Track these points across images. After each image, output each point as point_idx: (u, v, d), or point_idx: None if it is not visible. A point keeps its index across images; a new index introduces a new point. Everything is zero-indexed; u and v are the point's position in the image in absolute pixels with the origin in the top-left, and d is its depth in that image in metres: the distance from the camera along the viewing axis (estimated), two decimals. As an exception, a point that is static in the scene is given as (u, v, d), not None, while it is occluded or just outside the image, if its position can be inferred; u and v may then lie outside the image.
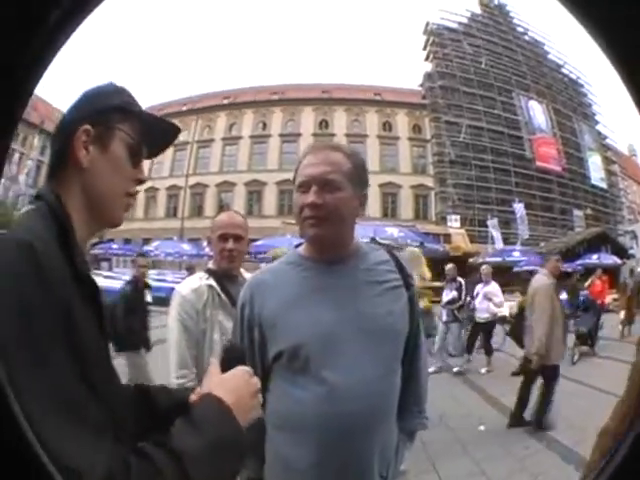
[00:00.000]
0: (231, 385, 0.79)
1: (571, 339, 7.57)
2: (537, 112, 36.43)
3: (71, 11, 0.37)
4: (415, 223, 28.04)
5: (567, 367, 6.44)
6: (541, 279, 4.82)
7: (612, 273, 17.79)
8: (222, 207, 27.51)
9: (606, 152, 40.54)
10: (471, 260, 24.20)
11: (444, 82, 34.32)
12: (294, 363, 1.19)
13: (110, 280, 17.04)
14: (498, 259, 22.10)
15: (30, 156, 35.81)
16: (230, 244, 1.97)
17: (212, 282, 1.97)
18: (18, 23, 0.34)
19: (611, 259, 21.72)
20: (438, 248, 20.93)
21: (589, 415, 4.65)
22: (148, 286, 5.63)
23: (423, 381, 1.42)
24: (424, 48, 36.71)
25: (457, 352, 8.05)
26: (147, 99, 40.42)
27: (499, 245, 26.31)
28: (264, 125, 36.21)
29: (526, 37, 39.62)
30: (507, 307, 8.87)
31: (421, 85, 35.78)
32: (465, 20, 37.37)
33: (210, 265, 2.09)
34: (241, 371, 0.83)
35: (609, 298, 13.77)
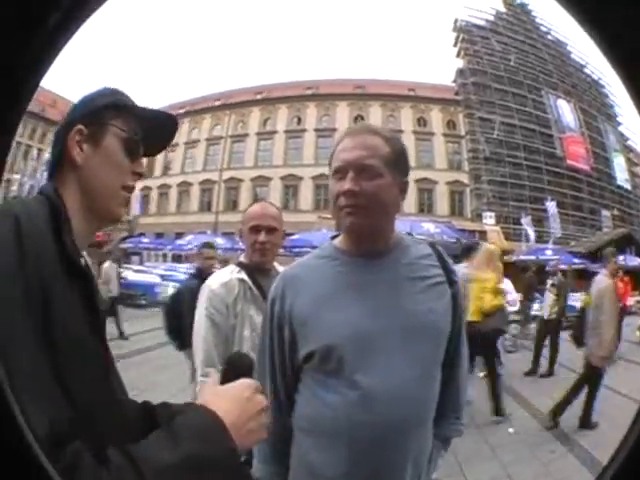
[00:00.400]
0: (231, 399, 0.70)
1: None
2: (565, 111, 36.42)
3: (71, 12, 0.36)
4: (451, 219, 27.96)
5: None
6: (604, 280, 4.83)
7: (634, 275, 17.64)
8: (256, 199, 27.09)
9: (629, 153, 40.61)
10: (506, 257, 24.22)
11: (476, 79, 34.26)
12: (326, 365, 1.10)
13: (141, 274, 17.10)
14: (532, 257, 22.05)
15: (48, 151, 35.83)
16: (262, 236, 1.85)
17: (243, 275, 1.87)
18: (18, 23, 0.33)
19: (636, 261, 21.71)
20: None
21: (611, 419, 4.65)
22: None
23: (463, 386, 1.32)
24: (454, 45, 36.71)
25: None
26: (180, 95, 40.39)
27: (532, 242, 26.32)
28: (299, 120, 36.21)
29: (549, 36, 39.62)
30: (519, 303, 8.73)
31: (454, 81, 35.77)
32: (491, 18, 37.40)
33: (242, 258, 1.98)
34: (245, 384, 0.73)
35: (632, 300, 13.48)
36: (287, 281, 1.21)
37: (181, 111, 38.59)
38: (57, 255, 0.66)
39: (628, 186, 38.80)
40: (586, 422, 4.72)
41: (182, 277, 16.85)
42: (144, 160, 0.87)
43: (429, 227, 18.44)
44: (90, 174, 0.78)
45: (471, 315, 4.84)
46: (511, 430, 4.73)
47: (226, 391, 0.72)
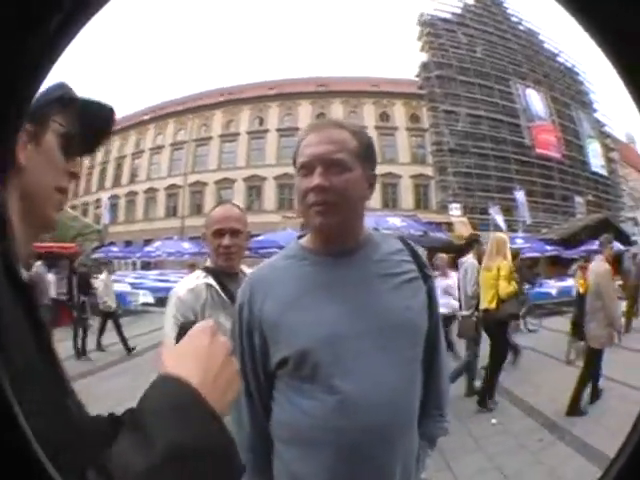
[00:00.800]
0: (190, 354, 0.57)
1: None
2: (535, 100, 36.47)
3: (72, 14, 0.36)
4: (416, 212, 27.96)
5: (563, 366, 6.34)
6: (601, 265, 4.95)
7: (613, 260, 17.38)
8: (220, 202, 27.12)
9: (605, 139, 40.62)
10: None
11: (440, 72, 34.32)
12: (301, 370, 1.05)
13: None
14: None
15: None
16: (227, 240, 1.80)
17: (210, 280, 1.80)
18: (18, 25, 0.33)
19: (615, 245, 21.51)
20: (442, 236, 20.88)
21: (599, 404, 4.82)
22: None
23: (444, 382, 1.29)
24: (419, 39, 36.74)
25: None
26: (143, 101, 40.57)
27: (504, 229, 26.28)
28: (261, 120, 36.21)
29: (520, 27, 39.77)
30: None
31: (417, 75, 35.81)
32: (459, 10, 37.51)
33: (207, 263, 1.93)
34: (199, 329, 0.60)
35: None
36: (255, 284, 1.16)
37: (146, 117, 38.82)
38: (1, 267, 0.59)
39: (604, 172, 38.84)
40: (575, 408, 4.76)
41: (152, 284, 16.92)
42: (79, 160, 0.80)
43: (395, 221, 18.43)
44: (30, 175, 0.71)
45: (487, 303, 5.10)
46: (494, 421, 4.65)
47: (182, 347, 0.58)
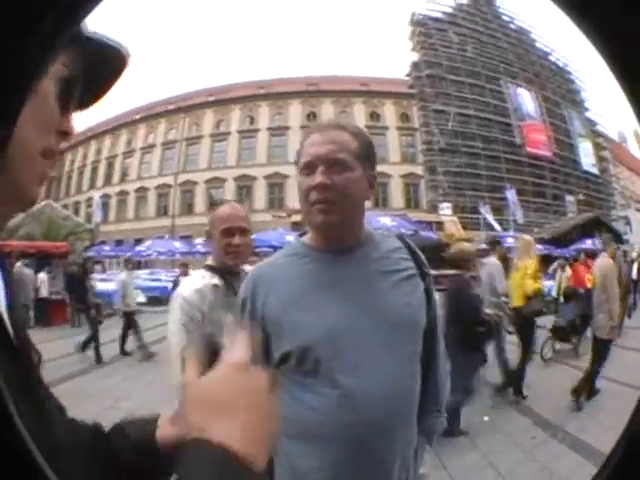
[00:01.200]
0: (224, 401, 0.47)
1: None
2: (526, 99, 36.58)
3: (67, 13, 0.36)
4: (406, 212, 27.95)
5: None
6: (606, 261, 5.26)
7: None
8: (216, 201, 27.11)
9: (596, 138, 40.72)
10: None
11: (431, 71, 34.39)
12: (303, 365, 1.07)
13: (104, 283, 16.96)
14: None
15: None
16: (237, 239, 1.79)
17: (216, 280, 1.78)
18: (15, 23, 0.33)
19: None
20: (431, 236, 20.91)
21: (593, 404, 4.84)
22: None
23: (442, 378, 1.31)
24: (410, 38, 36.75)
25: None
26: (134, 100, 40.56)
27: (498, 228, 26.37)
28: (252, 120, 36.19)
29: (512, 26, 39.87)
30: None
31: (408, 75, 35.85)
32: (450, 10, 37.58)
33: (210, 262, 1.89)
34: (229, 367, 0.50)
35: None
36: (257, 281, 1.18)
37: (137, 117, 38.70)
38: None
39: (595, 170, 38.95)
40: (579, 399, 4.90)
41: (142, 283, 16.86)
42: (72, 115, 0.63)
43: (385, 221, 18.41)
44: (17, 130, 0.50)
45: (516, 301, 5.42)
46: (486, 418, 4.64)
47: (211, 391, 0.48)
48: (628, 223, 35.72)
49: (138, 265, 27.32)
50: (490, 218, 27.27)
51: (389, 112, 35.34)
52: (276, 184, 31.45)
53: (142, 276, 21.17)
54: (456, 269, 4.55)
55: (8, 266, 0.65)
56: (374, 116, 35.45)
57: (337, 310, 1.08)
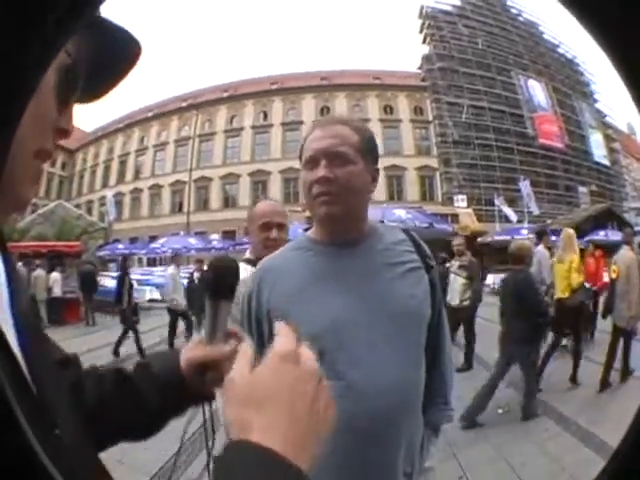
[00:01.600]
0: (272, 396, 0.43)
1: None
2: (537, 90, 36.49)
3: (71, 11, 0.36)
4: (422, 204, 27.97)
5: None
6: (629, 254, 5.42)
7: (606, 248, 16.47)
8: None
9: (607, 130, 40.60)
10: (480, 239, 24.23)
11: (443, 64, 34.37)
12: None
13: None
14: (507, 237, 22.02)
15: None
16: (274, 233, 1.87)
17: None
18: (16, 24, 0.33)
19: (618, 235, 21.55)
20: (447, 228, 20.89)
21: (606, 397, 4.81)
22: None
23: (448, 371, 1.30)
24: (420, 31, 36.77)
25: None
26: (147, 98, 40.47)
27: (514, 220, 26.28)
28: (265, 115, 36.24)
29: (520, 18, 39.81)
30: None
31: (420, 68, 35.87)
32: (459, 2, 37.53)
33: (248, 255, 1.97)
34: (279, 356, 0.46)
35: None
36: (263, 274, 1.19)
37: (149, 114, 38.76)
38: None
39: (606, 162, 38.84)
40: (605, 384, 5.09)
41: (158, 280, 16.85)
42: (72, 111, 0.55)
43: (400, 213, 18.46)
44: None
45: (561, 292, 5.66)
46: (500, 411, 4.64)
47: (258, 383, 0.44)
48: (639, 214, 35.67)
49: (154, 262, 27.49)
50: (505, 209, 27.18)
51: (402, 105, 35.26)
52: (291, 179, 31.37)
53: (157, 273, 21.24)
54: (517, 264, 4.70)
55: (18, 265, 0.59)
56: (387, 109, 35.37)
57: (341, 302, 1.08)
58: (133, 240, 30.50)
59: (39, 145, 0.50)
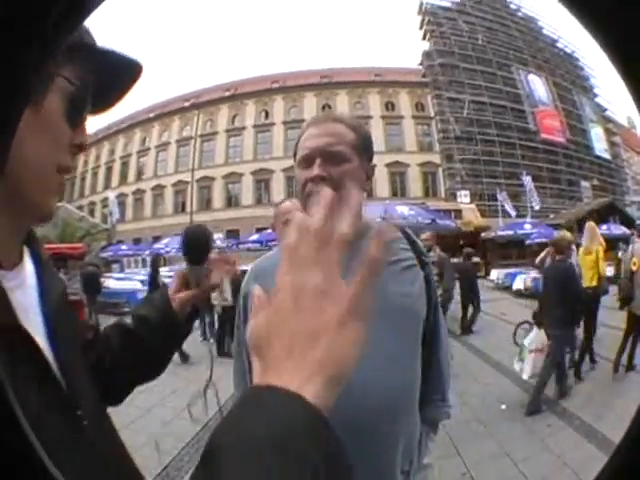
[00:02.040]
0: (294, 327, 0.38)
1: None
2: (537, 85, 36.50)
3: (71, 10, 0.36)
4: (425, 200, 27.95)
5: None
6: None
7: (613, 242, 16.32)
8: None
9: (607, 124, 40.63)
10: (483, 234, 24.26)
11: (443, 60, 34.39)
12: None
13: (122, 282, 17.02)
14: (510, 232, 22.08)
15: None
16: None
17: None
18: (17, 22, 0.33)
19: (620, 229, 21.60)
20: (450, 224, 20.88)
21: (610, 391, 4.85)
22: None
23: (444, 367, 1.29)
24: (420, 28, 36.76)
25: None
26: (147, 99, 40.53)
27: (513, 215, 26.31)
28: (267, 114, 36.25)
29: (519, 14, 39.84)
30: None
31: (421, 64, 35.88)
32: (458, -1, 37.53)
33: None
34: (295, 282, 0.41)
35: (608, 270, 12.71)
36: (256, 275, 1.19)
37: (151, 115, 38.73)
38: None
39: (607, 156, 38.88)
40: (632, 366, 5.34)
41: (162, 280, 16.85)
42: (86, 126, 0.63)
43: (403, 210, 18.35)
44: (22, 148, 0.51)
45: (589, 281, 5.89)
46: (503, 407, 4.66)
47: (283, 319, 0.40)
48: (641, 208, 35.71)
49: (162, 262, 27.53)
50: (507, 205, 27.22)
51: (404, 102, 35.24)
52: (294, 177, 31.37)
53: (162, 272, 21.27)
54: (558, 254, 5.00)
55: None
56: (389, 106, 35.36)
57: None
58: (136, 241, 30.51)
59: (58, 162, 0.58)
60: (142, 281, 17.27)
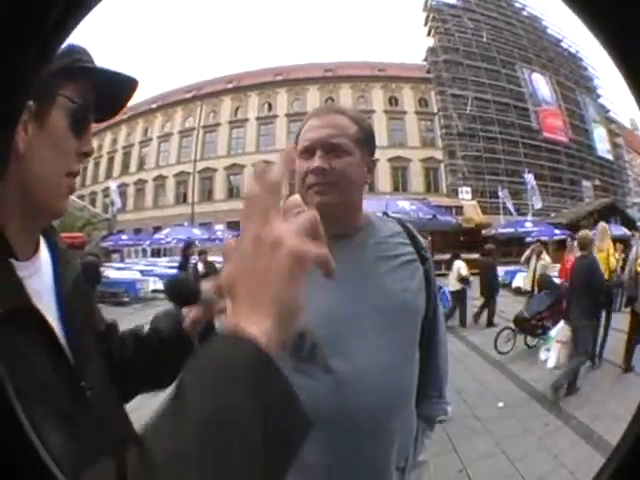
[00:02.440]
0: (252, 271, 0.42)
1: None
2: (541, 84, 36.47)
3: (70, 9, 0.36)
4: (426, 196, 27.97)
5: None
6: None
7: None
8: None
9: (610, 125, 40.61)
10: (484, 231, 24.25)
11: (447, 56, 34.38)
12: (300, 351, 1.04)
13: (122, 271, 17.05)
14: (510, 230, 22.08)
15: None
16: None
17: None
18: (16, 21, 0.33)
19: (621, 230, 21.62)
20: (451, 220, 20.93)
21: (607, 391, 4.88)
22: None
23: (442, 364, 1.28)
24: (425, 24, 36.75)
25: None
26: (151, 89, 40.44)
27: (513, 212, 26.30)
28: (270, 106, 36.21)
29: (524, 12, 39.79)
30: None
31: (425, 60, 35.85)
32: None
33: None
34: (253, 230, 0.43)
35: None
36: None
37: (154, 105, 38.68)
38: None
39: (610, 157, 38.86)
40: (628, 366, 5.54)
41: (162, 271, 16.92)
42: (90, 135, 0.70)
43: (404, 205, 18.44)
44: (32, 161, 0.60)
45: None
46: (501, 404, 4.68)
47: (244, 264, 0.43)
48: (642, 210, 35.72)
49: (158, 253, 27.49)
50: (508, 202, 27.22)
51: (407, 97, 35.23)
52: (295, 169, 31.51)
53: (160, 264, 21.28)
54: (582, 250, 5.51)
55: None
56: (392, 101, 35.35)
57: (334, 295, 1.03)
58: (137, 231, 30.50)
59: (67, 169, 0.66)
60: (142, 271, 17.32)
